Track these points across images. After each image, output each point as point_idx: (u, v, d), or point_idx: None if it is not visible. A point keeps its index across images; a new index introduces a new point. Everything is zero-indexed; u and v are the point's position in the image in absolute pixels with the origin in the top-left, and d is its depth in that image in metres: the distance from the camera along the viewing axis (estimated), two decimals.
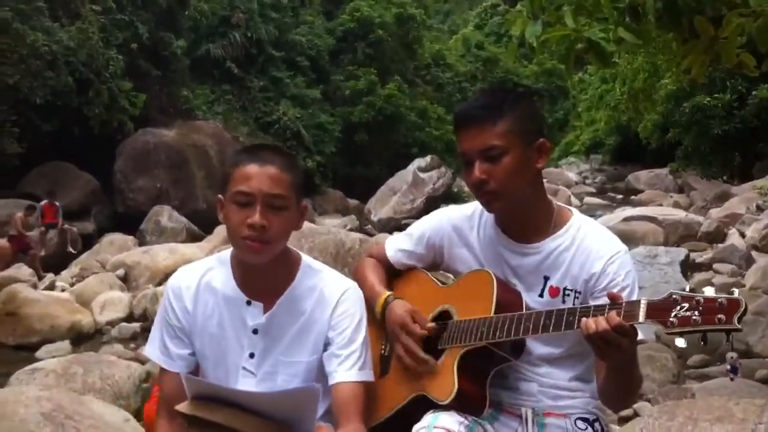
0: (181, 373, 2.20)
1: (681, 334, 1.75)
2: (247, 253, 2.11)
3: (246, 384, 2.18)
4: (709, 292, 1.73)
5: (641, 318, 1.78)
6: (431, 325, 2.23)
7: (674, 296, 1.75)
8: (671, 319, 1.74)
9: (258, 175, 2.08)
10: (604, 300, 2.04)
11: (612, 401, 2.17)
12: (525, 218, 2.20)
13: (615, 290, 2.05)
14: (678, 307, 1.74)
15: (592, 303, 2.09)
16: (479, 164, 2.10)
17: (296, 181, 2.14)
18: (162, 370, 2.30)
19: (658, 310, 1.77)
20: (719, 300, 1.70)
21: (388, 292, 2.34)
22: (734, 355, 1.88)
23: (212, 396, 1.83)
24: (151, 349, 2.32)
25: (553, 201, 2.25)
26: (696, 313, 1.71)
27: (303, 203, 2.20)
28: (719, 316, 1.69)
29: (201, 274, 2.26)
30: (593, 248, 2.16)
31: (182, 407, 1.85)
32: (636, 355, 1.95)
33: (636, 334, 1.82)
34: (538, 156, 2.15)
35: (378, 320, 2.31)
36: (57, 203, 16.34)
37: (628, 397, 2.16)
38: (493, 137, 2.09)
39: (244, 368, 2.19)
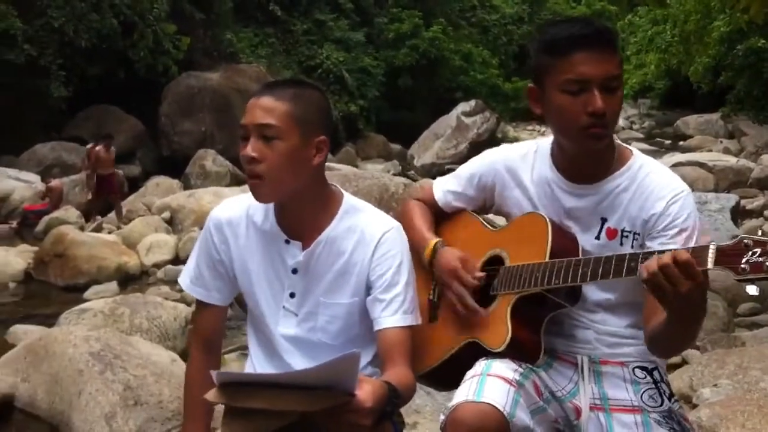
0: (217, 305, 2.23)
1: (753, 281, 1.63)
2: (251, 191, 2.05)
3: (287, 324, 2.15)
4: None
5: (710, 264, 1.66)
6: (481, 274, 2.14)
7: (745, 241, 1.63)
8: (742, 265, 1.62)
9: (252, 108, 2.02)
10: (663, 240, 1.96)
11: (660, 349, 2.03)
12: (591, 158, 2.08)
13: (673, 231, 1.96)
14: (750, 253, 1.61)
15: (649, 244, 2.00)
16: (599, 93, 1.94)
17: (299, 112, 2.00)
18: (198, 302, 2.27)
19: (729, 256, 1.64)
20: None
21: (437, 239, 2.26)
22: None
23: (244, 383, 1.74)
24: (185, 279, 2.26)
25: (615, 139, 2.13)
26: None
27: (318, 137, 2.04)
28: None
29: (244, 209, 2.20)
30: (654, 188, 2.04)
31: (213, 396, 1.73)
32: (703, 306, 1.79)
33: (705, 282, 1.69)
34: None
35: (426, 267, 2.24)
36: (100, 146, 16.37)
37: (680, 348, 2.05)
38: (616, 66, 1.97)
39: (284, 308, 2.15)
